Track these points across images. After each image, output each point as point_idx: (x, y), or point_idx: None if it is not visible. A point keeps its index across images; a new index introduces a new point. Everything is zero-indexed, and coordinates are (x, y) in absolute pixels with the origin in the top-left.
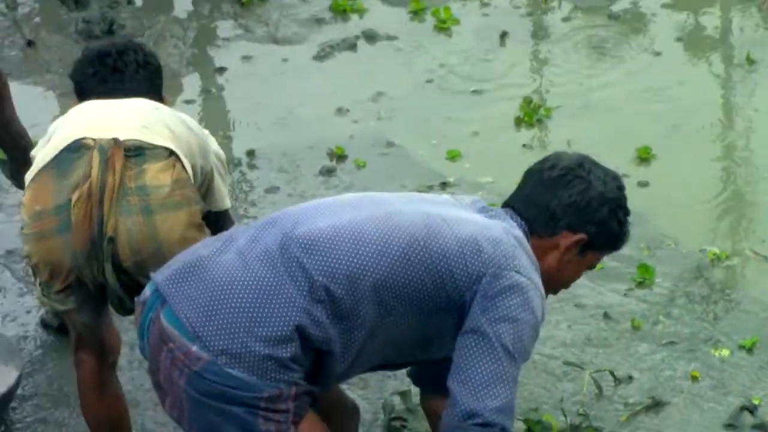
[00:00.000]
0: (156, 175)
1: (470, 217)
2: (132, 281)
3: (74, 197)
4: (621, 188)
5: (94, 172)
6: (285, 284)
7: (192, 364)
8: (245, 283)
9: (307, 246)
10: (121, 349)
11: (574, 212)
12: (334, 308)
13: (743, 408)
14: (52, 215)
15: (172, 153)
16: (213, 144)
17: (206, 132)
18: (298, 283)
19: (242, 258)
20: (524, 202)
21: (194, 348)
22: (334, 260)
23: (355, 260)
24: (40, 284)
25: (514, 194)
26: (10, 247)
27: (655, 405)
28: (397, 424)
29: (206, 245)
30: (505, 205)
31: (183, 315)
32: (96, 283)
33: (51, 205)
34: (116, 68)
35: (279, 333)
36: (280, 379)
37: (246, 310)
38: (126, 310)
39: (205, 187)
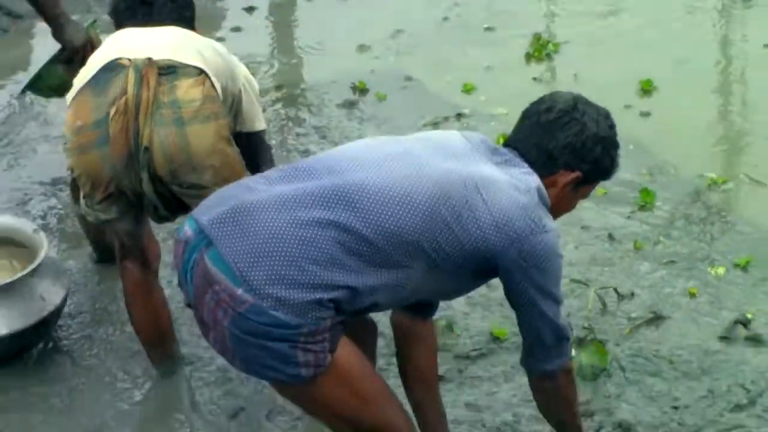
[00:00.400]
0: (187, 90)
1: (491, 175)
2: (166, 190)
3: (112, 111)
4: (612, 126)
5: (130, 88)
6: (328, 239)
7: (237, 306)
8: (289, 233)
9: (347, 201)
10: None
11: (571, 152)
12: (370, 260)
13: (737, 321)
14: (91, 129)
15: (201, 72)
16: (241, 67)
17: (235, 58)
18: (341, 238)
19: (285, 207)
20: (525, 145)
21: (240, 291)
22: (378, 217)
23: (398, 220)
24: (83, 197)
25: (515, 136)
26: (56, 176)
27: (656, 319)
28: None
29: (247, 188)
30: (506, 145)
31: (230, 259)
32: (134, 192)
33: (90, 120)
34: (145, 1)
35: (319, 281)
36: (318, 317)
37: (290, 259)
38: (161, 217)
39: (234, 108)
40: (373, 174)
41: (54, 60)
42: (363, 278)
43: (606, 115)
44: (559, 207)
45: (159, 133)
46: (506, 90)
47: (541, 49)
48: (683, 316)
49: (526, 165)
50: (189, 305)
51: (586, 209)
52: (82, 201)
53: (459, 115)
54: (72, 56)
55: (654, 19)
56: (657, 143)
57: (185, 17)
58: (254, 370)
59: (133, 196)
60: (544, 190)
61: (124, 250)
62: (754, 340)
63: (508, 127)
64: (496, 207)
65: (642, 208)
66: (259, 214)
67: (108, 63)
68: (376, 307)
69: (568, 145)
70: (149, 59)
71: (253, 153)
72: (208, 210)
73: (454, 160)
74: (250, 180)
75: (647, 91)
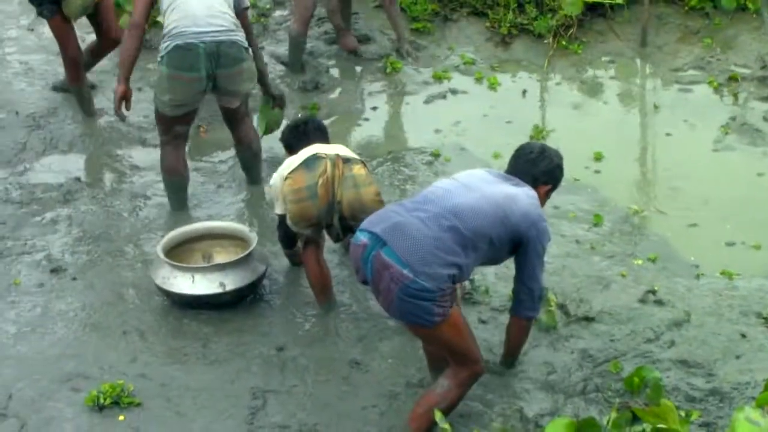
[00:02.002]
0: (358, 170)
1: (515, 192)
2: (346, 224)
3: (319, 182)
4: (561, 158)
5: (329, 169)
6: (448, 238)
7: (403, 280)
8: (428, 237)
9: (456, 215)
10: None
11: (546, 175)
12: (471, 249)
13: (648, 291)
14: (305, 191)
15: (362, 161)
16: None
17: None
18: (454, 237)
19: (423, 222)
20: (521, 173)
21: (405, 271)
22: (471, 222)
23: (480, 223)
24: (293, 224)
25: (514, 169)
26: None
27: (603, 288)
28: (467, 297)
29: (396, 213)
30: (510, 172)
31: (399, 253)
32: (324, 224)
33: (305, 186)
34: (303, 132)
35: (447, 262)
36: (447, 287)
37: (432, 252)
38: (338, 239)
39: None
40: (462, 200)
41: (270, 108)
42: (465, 260)
43: (559, 154)
44: (541, 204)
45: (345, 193)
46: None
47: (538, 133)
48: (618, 287)
49: (526, 185)
50: (364, 282)
51: (563, 225)
52: (289, 224)
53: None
54: (281, 102)
55: (602, 120)
56: (604, 188)
57: (325, 137)
58: (405, 317)
59: (323, 225)
60: (539, 199)
61: (308, 242)
62: (659, 303)
63: None
64: (522, 207)
65: (595, 225)
66: (410, 227)
67: (313, 155)
68: (463, 279)
69: (545, 172)
70: (337, 155)
71: None
72: (376, 225)
73: (493, 186)
74: (395, 207)
75: (598, 158)
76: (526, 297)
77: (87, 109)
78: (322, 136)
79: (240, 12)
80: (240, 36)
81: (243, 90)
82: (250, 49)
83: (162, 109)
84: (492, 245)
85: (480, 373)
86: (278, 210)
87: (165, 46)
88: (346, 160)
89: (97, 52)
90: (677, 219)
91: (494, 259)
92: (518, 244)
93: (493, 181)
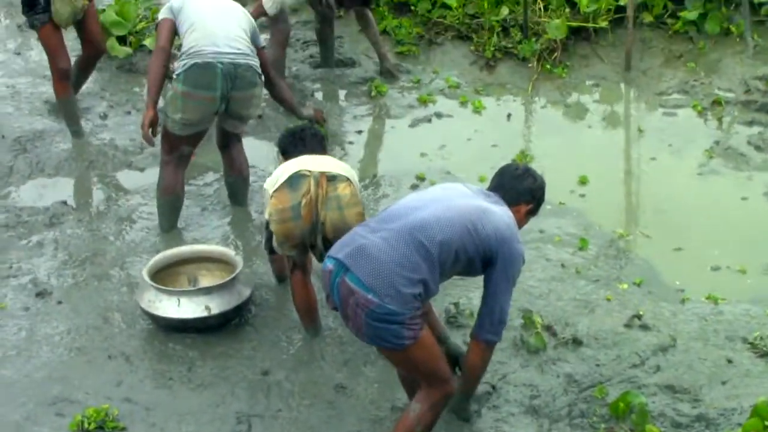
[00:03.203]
0: (343, 189)
1: (489, 207)
2: (330, 245)
3: (303, 202)
4: (544, 182)
5: (312, 188)
6: (413, 254)
7: (369, 305)
8: (392, 257)
9: (420, 229)
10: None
11: (528, 193)
12: (437, 263)
13: (634, 316)
14: (289, 210)
15: (348, 179)
16: (356, 176)
17: (353, 171)
18: (419, 252)
19: (386, 241)
20: (505, 188)
21: (369, 296)
22: (437, 235)
23: (446, 236)
24: (277, 245)
25: (497, 184)
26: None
27: (588, 313)
28: (452, 320)
29: (360, 236)
30: (492, 189)
31: (362, 277)
32: (308, 245)
33: (288, 205)
34: (300, 138)
35: (414, 282)
36: (414, 307)
37: (396, 272)
38: (321, 259)
39: None
40: (427, 213)
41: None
42: (431, 275)
43: (542, 178)
44: (519, 226)
45: (329, 214)
46: None
47: (522, 158)
48: (603, 311)
49: (506, 205)
50: (334, 308)
51: (548, 249)
52: (274, 245)
53: None
54: (315, 121)
55: (586, 143)
56: (589, 212)
57: (322, 145)
58: (375, 341)
59: (308, 246)
60: (519, 219)
61: (295, 265)
62: (644, 327)
63: None
64: (495, 223)
65: (580, 249)
66: (373, 249)
67: (297, 173)
68: (430, 295)
69: (528, 190)
70: (321, 172)
71: None
72: (340, 250)
73: (467, 199)
74: (359, 229)
75: (584, 182)
76: (486, 319)
77: (74, 128)
78: (319, 144)
79: (257, 48)
80: (255, 62)
81: (252, 115)
82: (273, 80)
83: (172, 128)
84: (458, 260)
85: (451, 393)
86: (267, 215)
87: (183, 64)
88: (331, 178)
89: (85, 63)
90: (662, 243)
91: (466, 273)
92: (489, 261)
93: (468, 195)
